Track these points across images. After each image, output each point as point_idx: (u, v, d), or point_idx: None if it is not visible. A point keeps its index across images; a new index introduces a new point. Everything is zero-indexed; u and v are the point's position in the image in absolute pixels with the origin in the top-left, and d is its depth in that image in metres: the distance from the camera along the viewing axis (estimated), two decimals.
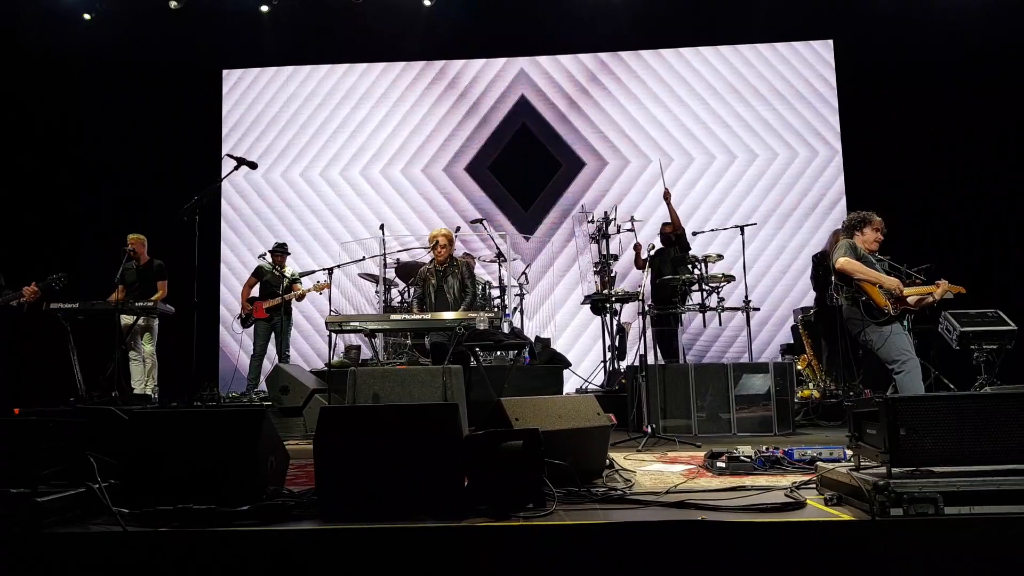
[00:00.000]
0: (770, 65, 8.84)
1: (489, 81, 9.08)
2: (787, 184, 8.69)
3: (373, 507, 2.32)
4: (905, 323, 4.46)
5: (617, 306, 6.78)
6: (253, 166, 4.86)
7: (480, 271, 7.25)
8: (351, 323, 4.94)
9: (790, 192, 8.68)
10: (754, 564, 2.12)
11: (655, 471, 3.29)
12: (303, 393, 5.56)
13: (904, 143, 8.10)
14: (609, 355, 6.95)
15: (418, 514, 2.27)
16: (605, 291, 6.68)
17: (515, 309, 7.56)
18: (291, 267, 7.20)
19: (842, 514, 2.24)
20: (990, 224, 7.89)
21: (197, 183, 5.76)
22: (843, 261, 4.37)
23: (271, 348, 7.16)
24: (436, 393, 4.35)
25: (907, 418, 2.15)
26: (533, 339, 7.10)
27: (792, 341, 7.73)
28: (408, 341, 6.83)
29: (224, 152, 8.88)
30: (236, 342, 7.99)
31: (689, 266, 6.27)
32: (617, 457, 3.46)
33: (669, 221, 6.97)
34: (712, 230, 7.43)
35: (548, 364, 6.72)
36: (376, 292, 7.62)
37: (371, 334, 5.30)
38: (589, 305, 7.08)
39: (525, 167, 8.88)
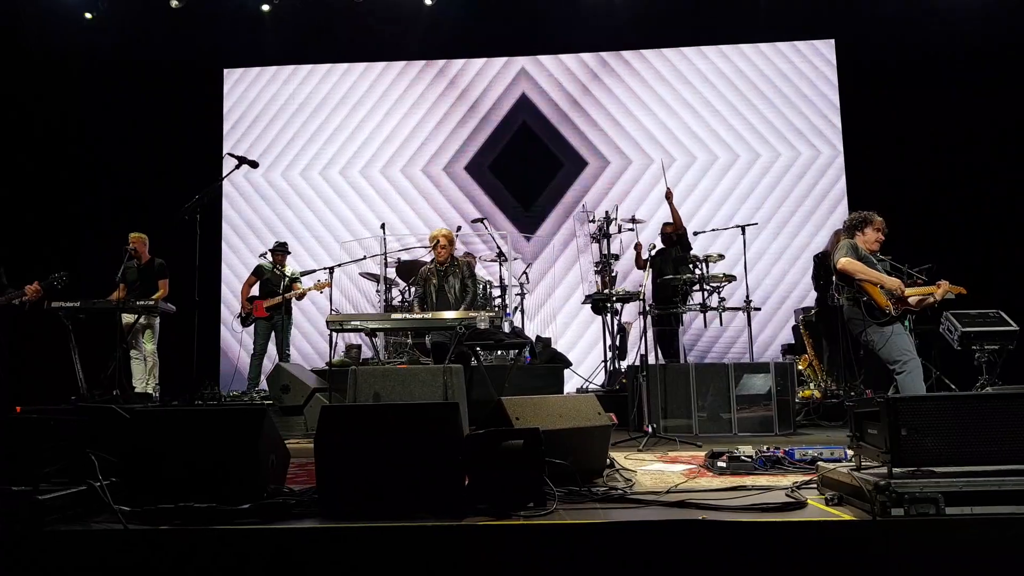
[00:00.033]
0: (772, 64, 8.83)
1: (490, 80, 9.07)
2: (789, 184, 8.69)
3: (374, 506, 2.32)
4: (906, 323, 4.46)
5: (618, 306, 6.78)
6: (254, 165, 4.86)
7: (481, 271, 7.25)
8: (352, 322, 4.94)
9: (792, 192, 8.68)
10: (755, 564, 2.11)
11: (656, 471, 3.29)
12: (304, 392, 5.56)
13: (905, 143, 8.09)
14: (610, 355, 6.95)
15: (419, 513, 2.27)
16: (606, 291, 6.68)
17: (516, 309, 7.56)
18: (291, 266, 7.21)
19: (843, 514, 2.24)
20: (992, 224, 7.88)
21: (198, 182, 5.76)
22: (844, 261, 4.37)
23: (271, 348, 7.17)
24: (437, 392, 4.35)
25: (908, 418, 2.15)
26: (534, 339, 7.10)
27: (793, 341, 7.73)
28: (409, 340, 6.83)
29: (225, 151, 8.88)
30: (236, 341, 7.99)
31: (690, 266, 6.27)
32: (618, 457, 3.46)
33: (670, 221, 6.96)
34: (713, 230, 7.42)
35: (549, 364, 6.72)
36: (377, 291, 7.62)
37: (372, 333, 5.30)
38: (590, 305, 7.08)
39: (527, 166, 8.88)
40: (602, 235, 6.99)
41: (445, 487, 2.35)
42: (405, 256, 7.75)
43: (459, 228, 7.86)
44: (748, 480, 2.90)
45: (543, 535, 2.16)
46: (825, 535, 2.16)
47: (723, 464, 3.13)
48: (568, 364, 6.92)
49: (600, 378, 7.14)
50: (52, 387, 6.10)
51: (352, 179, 9.07)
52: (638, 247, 7.12)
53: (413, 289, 6.82)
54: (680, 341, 6.68)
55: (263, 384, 6.76)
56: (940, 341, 5.56)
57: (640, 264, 7.21)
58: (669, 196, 6.85)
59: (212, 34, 8.83)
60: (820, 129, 8.72)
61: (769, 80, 8.80)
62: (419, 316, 5.10)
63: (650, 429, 4.55)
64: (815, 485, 2.62)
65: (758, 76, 8.82)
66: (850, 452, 2.70)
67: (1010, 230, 7.81)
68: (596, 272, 7.16)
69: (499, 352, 6.58)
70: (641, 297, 5.33)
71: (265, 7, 8.75)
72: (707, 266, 5.98)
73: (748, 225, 6.42)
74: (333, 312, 6.37)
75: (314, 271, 6.89)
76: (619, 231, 7.04)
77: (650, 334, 5.37)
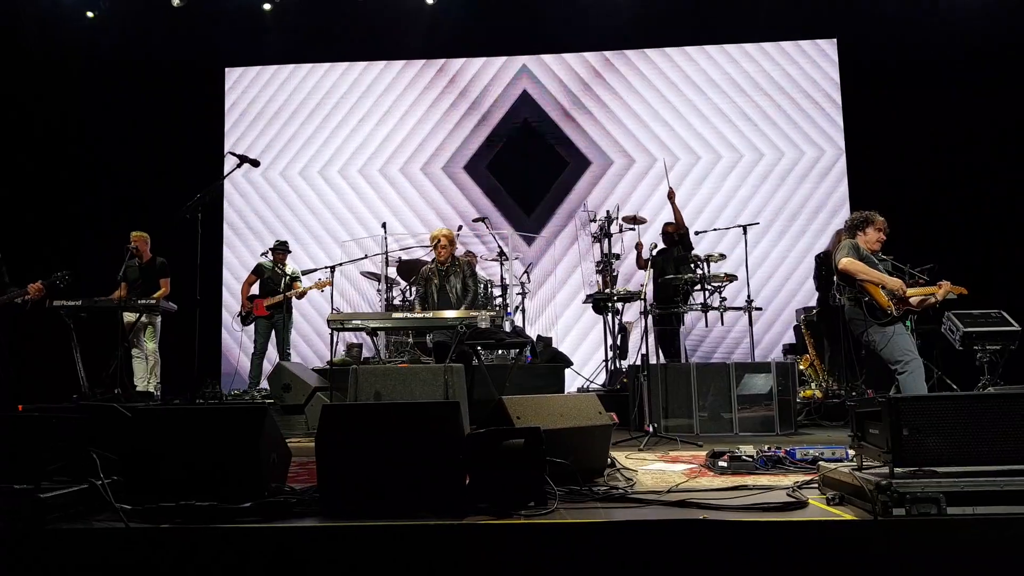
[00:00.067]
0: (776, 63, 8.83)
1: (491, 78, 9.07)
2: (793, 183, 8.68)
3: (375, 505, 2.33)
4: (908, 323, 4.45)
5: (619, 305, 6.78)
6: (255, 163, 4.86)
7: (481, 272, 7.25)
8: (353, 321, 4.95)
9: (795, 192, 8.67)
10: (756, 564, 2.11)
11: (657, 470, 3.29)
12: (305, 391, 5.57)
13: (907, 142, 8.08)
14: (611, 354, 6.95)
15: (419, 512, 2.27)
16: (607, 290, 6.68)
17: (516, 308, 7.56)
18: (290, 265, 7.21)
19: (844, 514, 2.24)
20: (995, 224, 7.87)
21: (199, 181, 5.77)
22: (846, 262, 4.36)
23: (271, 348, 7.16)
24: (438, 391, 4.35)
25: (910, 418, 2.15)
26: (535, 338, 7.10)
27: (795, 341, 7.72)
28: (410, 340, 6.83)
29: (226, 150, 8.89)
30: (235, 342, 8.00)
31: (691, 265, 6.27)
32: (619, 456, 3.46)
33: (671, 221, 6.96)
34: (715, 229, 7.42)
35: (550, 363, 6.72)
36: (378, 291, 7.62)
37: (373, 332, 5.30)
38: (591, 304, 7.08)
39: (529, 165, 8.88)
40: (603, 235, 6.99)
41: (446, 486, 2.35)
42: (405, 256, 7.75)
43: (460, 227, 7.86)
44: (749, 480, 2.90)
45: (544, 534, 2.16)
46: (826, 535, 2.16)
47: (724, 464, 3.13)
48: (569, 363, 6.92)
49: (601, 378, 7.13)
50: (54, 386, 6.11)
51: (353, 178, 9.07)
52: (639, 247, 7.12)
53: (414, 288, 6.82)
54: (681, 341, 6.67)
55: (264, 383, 6.77)
56: (942, 341, 5.55)
57: (641, 264, 7.20)
58: (671, 196, 6.84)
59: (213, 33, 8.84)
60: (823, 128, 8.71)
61: (773, 79, 8.80)
62: (420, 315, 5.11)
63: (651, 429, 4.55)
64: (816, 485, 2.62)
65: (762, 75, 8.82)
66: (851, 452, 2.70)
67: (1011, 230, 7.80)
68: (597, 272, 7.16)
69: (500, 351, 6.58)
70: (642, 297, 5.33)
71: (266, 6, 8.76)
72: (708, 266, 5.98)
73: (750, 225, 6.41)
74: (334, 312, 6.37)
75: (315, 270, 6.90)
76: (620, 231, 7.04)
77: (651, 334, 5.37)
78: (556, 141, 8.93)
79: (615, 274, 7.01)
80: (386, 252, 7.35)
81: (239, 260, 8.92)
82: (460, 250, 7.14)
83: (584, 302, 7.39)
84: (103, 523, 2.24)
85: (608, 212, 7.02)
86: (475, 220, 8.00)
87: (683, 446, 4.23)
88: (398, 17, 8.79)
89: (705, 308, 5.91)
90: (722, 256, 6.12)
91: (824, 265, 6.58)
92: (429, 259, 5.89)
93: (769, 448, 3.32)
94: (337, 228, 8.98)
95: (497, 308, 7.03)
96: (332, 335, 5.23)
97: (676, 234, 6.84)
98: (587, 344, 8.53)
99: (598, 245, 7.23)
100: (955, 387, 5.77)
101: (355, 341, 7.53)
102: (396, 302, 7.37)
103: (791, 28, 8.71)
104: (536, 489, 2.39)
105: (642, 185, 8.80)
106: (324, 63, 9.19)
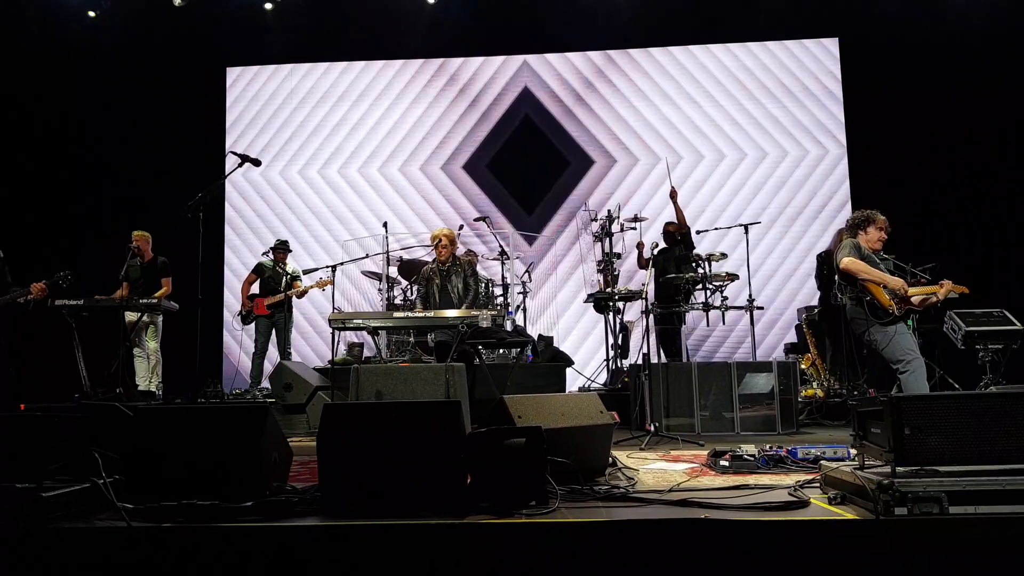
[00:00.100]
0: (779, 62, 8.81)
1: (492, 74, 9.06)
2: (797, 182, 8.67)
3: (376, 504, 2.33)
4: (910, 323, 4.45)
5: (621, 304, 6.77)
6: (256, 163, 4.86)
7: (482, 271, 7.25)
8: (354, 320, 4.95)
9: (797, 190, 8.66)
10: (757, 563, 2.11)
11: (658, 469, 3.29)
12: (306, 390, 5.57)
13: (909, 142, 8.07)
14: (612, 353, 6.95)
15: (421, 511, 2.27)
16: (608, 289, 6.68)
17: (518, 307, 7.56)
18: (291, 264, 7.22)
19: (846, 513, 2.23)
20: (997, 223, 7.85)
21: (200, 181, 5.77)
22: (847, 261, 4.35)
23: (272, 348, 7.17)
24: (439, 390, 4.35)
25: (912, 417, 2.15)
26: (536, 337, 7.10)
27: (796, 340, 7.72)
28: (411, 339, 6.83)
29: (227, 149, 8.89)
30: (236, 341, 8.00)
31: (693, 264, 6.26)
32: (620, 455, 3.45)
33: (673, 220, 6.95)
34: (716, 228, 7.41)
35: (551, 362, 6.72)
36: (379, 290, 7.62)
37: (374, 332, 5.30)
38: (592, 304, 7.07)
39: (530, 165, 8.87)
40: (604, 234, 6.99)
41: (447, 485, 2.35)
42: (406, 256, 7.75)
43: (461, 227, 7.86)
44: (751, 479, 2.89)
45: (545, 533, 2.16)
46: (828, 534, 2.16)
47: (726, 463, 3.13)
48: (570, 363, 6.92)
49: (602, 377, 7.13)
50: (56, 385, 6.12)
51: (354, 178, 9.07)
52: (640, 246, 7.12)
53: (415, 288, 6.82)
54: (682, 340, 6.67)
55: (265, 382, 6.77)
56: (944, 340, 5.54)
57: (642, 264, 7.20)
58: (674, 195, 6.84)
59: (214, 32, 8.84)
60: (826, 126, 8.70)
61: (777, 78, 8.79)
62: (421, 314, 5.11)
63: (652, 428, 4.55)
64: (818, 484, 2.62)
65: (766, 74, 8.80)
66: (853, 451, 2.69)
67: (1011, 230, 7.78)
68: (599, 271, 7.16)
69: (501, 351, 6.57)
70: (643, 296, 5.33)
71: (268, 5, 8.76)
72: (709, 265, 5.98)
73: (751, 224, 6.40)
74: (335, 311, 6.37)
75: (316, 270, 6.90)
76: (621, 230, 7.04)
77: (652, 333, 5.36)
78: (558, 139, 8.92)
79: (616, 273, 7.00)
80: (387, 252, 7.35)
81: (239, 260, 8.92)
82: (460, 249, 7.15)
83: (585, 301, 7.38)
84: (105, 522, 2.25)
85: (609, 211, 7.02)
86: (476, 219, 8.00)
87: (684, 445, 4.23)
88: (399, 16, 8.79)
89: (706, 307, 5.90)
90: (723, 255, 6.11)
91: (826, 264, 6.57)
92: (429, 259, 5.88)
93: (771, 447, 3.32)
94: (337, 227, 8.98)
95: (499, 307, 7.02)
96: (333, 334, 5.23)
97: (678, 233, 6.84)
98: (588, 343, 8.53)
99: (599, 244, 7.22)
100: (957, 386, 5.76)
101: (356, 340, 7.54)
102: (397, 301, 7.37)
103: (793, 27, 8.70)
104: (537, 488, 2.39)
105: (645, 184, 8.78)
106: (326, 62, 9.19)
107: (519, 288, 7.67)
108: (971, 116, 7.90)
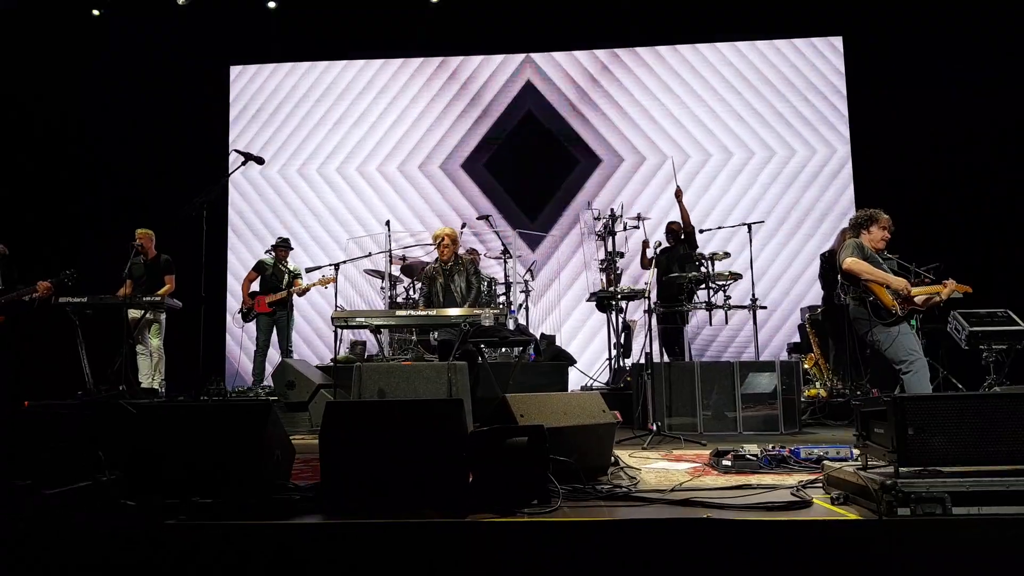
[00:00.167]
0: (787, 60, 8.79)
1: (494, 69, 9.05)
2: (804, 182, 8.65)
3: (378, 502, 2.33)
4: (913, 323, 4.43)
5: (623, 303, 6.77)
6: (260, 161, 4.86)
7: (484, 270, 7.25)
8: (357, 318, 4.95)
9: (803, 190, 8.64)
10: (759, 563, 2.11)
11: (660, 469, 3.29)
12: (309, 388, 5.57)
13: (912, 141, 8.04)
14: (615, 352, 6.94)
15: (423, 509, 2.27)
16: (611, 288, 6.67)
17: (520, 306, 7.56)
18: (292, 262, 7.22)
19: (849, 513, 2.23)
20: (998, 223, 7.82)
21: (203, 179, 5.78)
22: (850, 261, 4.34)
23: (272, 347, 7.17)
24: (441, 389, 4.36)
25: (915, 417, 2.14)
26: (539, 336, 7.09)
27: (799, 340, 7.70)
28: (413, 337, 6.83)
29: (231, 148, 8.90)
30: (236, 341, 8.00)
31: (696, 263, 6.26)
32: (622, 455, 3.45)
33: (677, 219, 6.94)
34: (719, 227, 7.40)
35: (553, 361, 6.71)
36: (382, 288, 7.62)
37: (377, 330, 5.30)
38: (595, 302, 7.07)
39: (534, 162, 8.86)
40: (607, 232, 6.98)
41: (449, 483, 2.35)
42: (407, 257, 7.75)
43: (463, 225, 7.86)
44: (753, 479, 2.89)
45: (547, 532, 2.16)
46: (830, 534, 2.15)
47: (728, 463, 3.12)
48: (572, 362, 6.90)
49: (605, 376, 7.13)
50: (59, 382, 6.13)
51: (354, 177, 9.07)
52: (645, 245, 7.11)
53: (418, 286, 6.82)
54: (685, 339, 6.66)
55: (268, 380, 6.77)
56: (947, 340, 5.53)
57: (645, 263, 7.19)
58: (679, 195, 6.83)
59: (218, 31, 8.85)
60: (833, 124, 8.68)
61: (784, 76, 8.77)
62: (423, 313, 5.11)
63: (655, 427, 4.55)
64: (821, 484, 2.61)
65: (773, 72, 8.79)
66: (856, 451, 2.69)
67: (1012, 230, 7.75)
68: (601, 270, 7.15)
69: (504, 349, 6.57)
70: (646, 295, 5.32)
71: (271, 4, 8.76)
72: (713, 264, 5.96)
73: (755, 223, 6.39)
74: (338, 308, 6.38)
75: (319, 268, 6.90)
76: (624, 229, 7.03)
77: (655, 332, 5.36)
78: (564, 137, 8.90)
79: (619, 272, 6.99)
80: (390, 250, 7.35)
81: (239, 259, 8.93)
82: (462, 248, 7.15)
83: (588, 300, 7.38)
84: (107, 520, 2.25)
85: (612, 210, 7.01)
86: (478, 218, 7.99)
87: (687, 445, 4.22)
88: (402, 15, 8.79)
89: (709, 307, 5.89)
90: (726, 254, 6.10)
91: (829, 263, 6.56)
92: (429, 259, 5.88)
93: (773, 447, 3.32)
94: (337, 227, 8.98)
95: (501, 306, 7.02)
96: (336, 332, 5.23)
97: (681, 232, 6.83)
98: (591, 343, 8.52)
99: (602, 244, 7.21)
100: (961, 386, 5.74)
101: (359, 339, 7.54)
102: (399, 300, 7.37)
103: (797, 26, 8.68)
104: (539, 487, 2.39)
105: (652, 184, 8.76)
106: (329, 61, 9.19)
107: (521, 287, 7.66)
108: (975, 115, 7.86)
